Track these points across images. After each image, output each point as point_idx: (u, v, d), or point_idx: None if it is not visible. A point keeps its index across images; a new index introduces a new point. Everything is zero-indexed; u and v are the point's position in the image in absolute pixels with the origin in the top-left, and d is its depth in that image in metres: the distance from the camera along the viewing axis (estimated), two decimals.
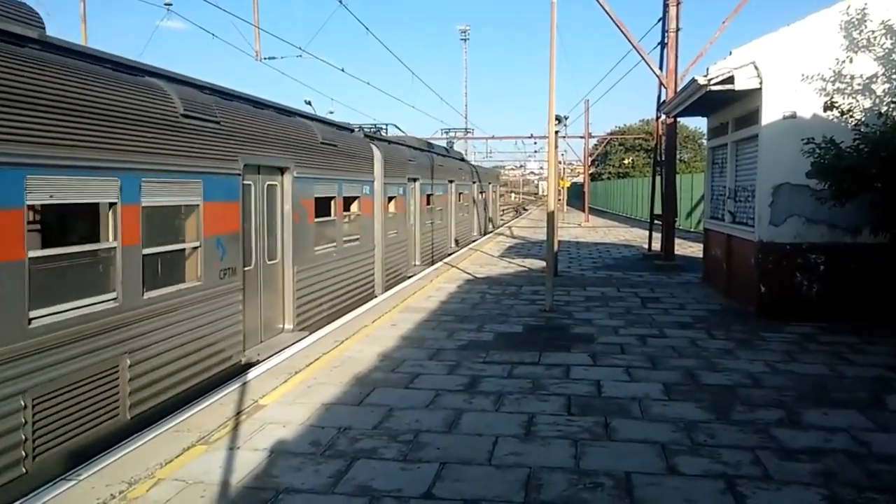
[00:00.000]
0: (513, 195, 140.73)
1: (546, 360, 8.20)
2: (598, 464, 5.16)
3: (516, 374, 7.61)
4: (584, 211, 44.75)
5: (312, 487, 4.79)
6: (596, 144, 65.59)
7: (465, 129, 28.71)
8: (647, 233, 22.08)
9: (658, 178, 20.30)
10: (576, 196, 68.15)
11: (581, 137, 48.53)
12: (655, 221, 20.54)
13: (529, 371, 7.71)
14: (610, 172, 71.22)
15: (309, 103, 49.94)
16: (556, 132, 13.34)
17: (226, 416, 6.21)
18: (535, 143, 62.77)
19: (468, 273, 16.39)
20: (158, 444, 5.57)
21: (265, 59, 21.79)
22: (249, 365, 8.41)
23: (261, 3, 20.41)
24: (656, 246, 20.15)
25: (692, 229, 30.28)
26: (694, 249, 20.69)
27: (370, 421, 6.08)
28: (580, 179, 65.15)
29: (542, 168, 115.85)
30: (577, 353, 8.51)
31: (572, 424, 6.00)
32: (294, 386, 7.16)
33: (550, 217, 12.45)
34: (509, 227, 36.47)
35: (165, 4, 18.28)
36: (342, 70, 34.24)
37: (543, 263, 13.83)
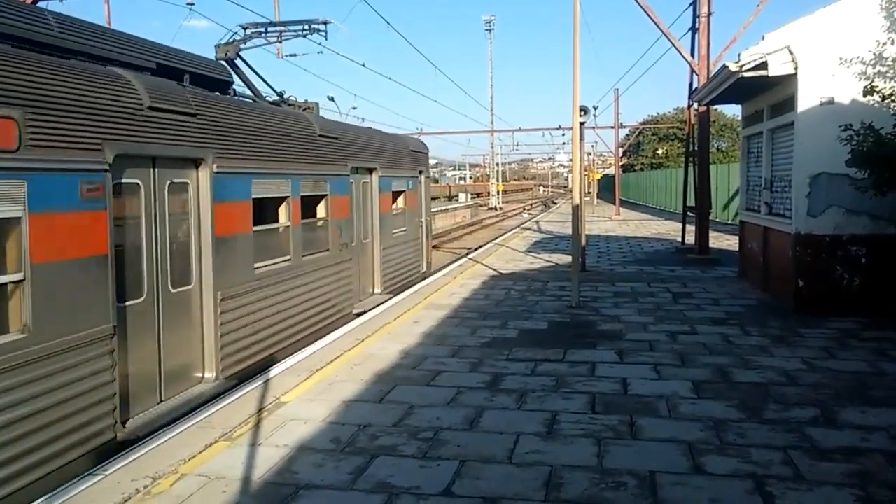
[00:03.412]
0: (541, 188, 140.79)
1: (571, 357, 8.07)
2: (622, 463, 5.04)
3: (540, 371, 7.50)
4: (615, 204, 44.22)
5: (332, 484, 4.78)
6: (627, 135, 65.00)
7: (308, 24, 12.51)
8: (681, 226, 21.69)
9: (692, 169, 19.92)
10: (607, 188, 67.44)
11: (611, 127, 47.98)
12: (689, 214, 20.17)
13: (553, 368, 7.59)
14: (643, 163, 70.29)
15: (332, 99, 50.11)
16: (583, 123, 13.18)
17: (248, 413, 6.22)
18: (564, 134, 62.33)
19: (493, 269, 16.27)
20: (182, 439, 5.61)
21: (287, 56, 21.81)
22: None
23: (281, 1, 20.39)
24: (690, 239, 19.80)
25: (729, 221, 29.71)
26: (730, 242, 20.27)
27: (390, 418, 6.04)
28: (612, 171, 64.51)
29: (571, 160, 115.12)
30: (603, 351, 8.36)
31: (596, 423, 5.88)
32: (315, 383, 7.15)
33: (576, 210, 12.27)
34: (537, 222, 36.25)
35: (188, 4, 18.31)
36: (363, 65, 34.06)
37: (570, 258, 13.64)
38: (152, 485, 4.78)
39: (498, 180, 73.89)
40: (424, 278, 15.14)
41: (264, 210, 9.09)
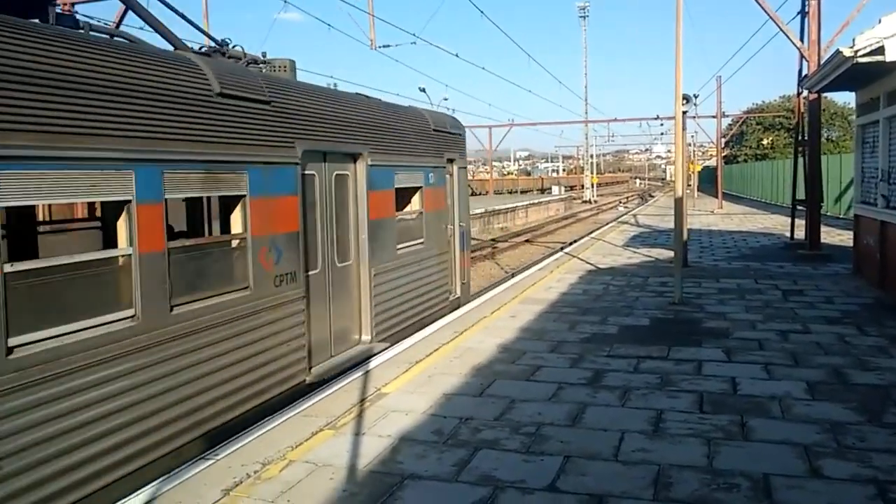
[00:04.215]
0: (638, 181, 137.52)
1: (675, 354, 7.84)
2: (733, 464, 4.87)
3: (643, 368, 7.34)
4: (717, 197, 42.57)
5: (436, 475, 4.83)
6: (730, 124, 62.53)
7: None
8: (789, 220, 20.71)
9: (801, 160, 18.97)
10: (708, 181, 65.08)
11: (713, 117, 46.30)
12: (798, 207, 19.22)
13: (657, 366, 7.40)
14: (746, 154, 67.39)
15: (423, 90, 50.47)
16: (684, 112, 12.71)
17: (351, 403, 6.39)
18: (662, 124, 60.68)
19: (590, 263, 16.02)
20: (289, 427, 5.81)
21: (380, 47, 22.08)
22: None
23: None
24: (800, 234, 18.88)
25: (841, 215, 28.10)
26: (843, 238, 19.19)
27: (491, 412, 6.06)
28: (713, 162, 62.18)
29: (669, 152, 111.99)
30: (709, 349, 8.08)
31: (704, 422, 5.70)
32: (415, 375, 7.25)
33: (678, 203, 11.91)
34: (634, 216, 35.40)
35: None
36: (456, 55, 34.32)
37: (671, 253, 13.25)
38: (262, 470, 4.97)
39: (592, 172, 72.63)
40: (457, 307, 11.42)
41: (52, 230, 6.18)
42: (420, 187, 10.57)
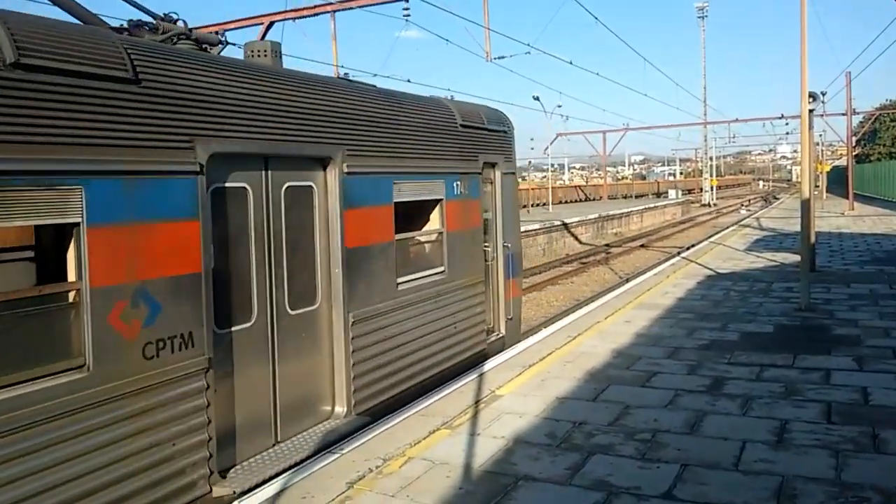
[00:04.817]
0: (761, 183, 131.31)
1: (801, 363, 7.51)
2: (864, 477, 4.66)
3: (766, 376, 7.08)
4: (847, 198, 39.88)
5: (550, 477, 4.90)
6: (861, 122, 58.51)
7: None
8: None
9: None
10: (837, 181, 61.03)
11: (842, 115, 43.41)
12: None
13: (782, 374, 7.12)
14: (880, 153, 62.85)
15: (537, 98, 50.41)
16: (811, 111, 12.09)
17: (466, 404, 6.55)
18: (787, 123, 57.56)
19: (709, 268, 15.48)
20: (408, 425, 6.04)
21: (495, 58, 22.34)
22: None
23: (490, 4, 20.93)
24: None
25: None
26: None
27: (605, 417, 6.05)
28: (842, 162, 58.46)
29: (795, 152, 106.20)
30: (838, 357, 7.69)
31: (832, 433, 5.46)
32: (528, 379, 7.33)
33: (805, 205, 11.35)
34: (757, 219, 33.75)
35: (404, 15, 19.22)
36: (570, 63, 34.03)
37: (797, 258, 12.62)
38: (383, 465, 5.21)
39: (711, 175, 69.87)
40: (501, 349, 9.08)
41: None
42: (440, 200, 8.18)
